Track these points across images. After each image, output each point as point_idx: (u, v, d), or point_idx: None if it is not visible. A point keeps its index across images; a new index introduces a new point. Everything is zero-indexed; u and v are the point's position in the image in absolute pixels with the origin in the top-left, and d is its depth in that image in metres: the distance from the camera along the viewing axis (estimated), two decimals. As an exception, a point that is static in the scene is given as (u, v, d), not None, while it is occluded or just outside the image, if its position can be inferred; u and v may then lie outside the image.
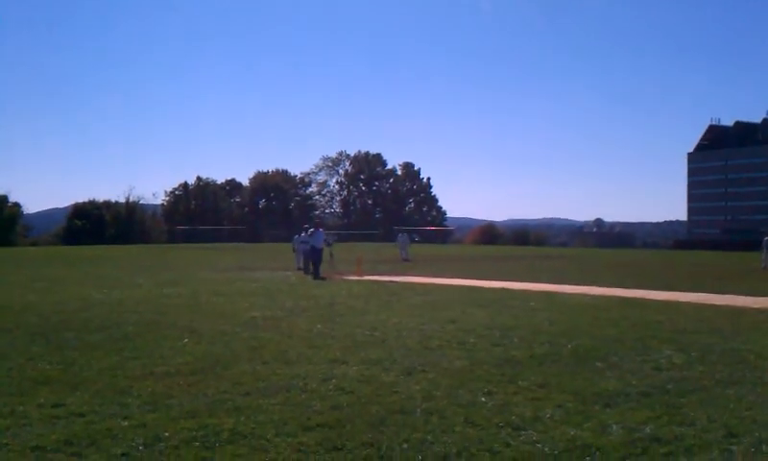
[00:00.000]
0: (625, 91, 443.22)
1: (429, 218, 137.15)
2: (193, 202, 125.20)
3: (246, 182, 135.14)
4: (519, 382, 8.21)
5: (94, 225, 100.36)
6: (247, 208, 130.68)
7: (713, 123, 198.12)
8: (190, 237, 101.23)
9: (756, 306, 16.56)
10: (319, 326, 12.97)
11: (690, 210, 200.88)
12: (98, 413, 6.91)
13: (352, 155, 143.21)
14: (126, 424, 6.55)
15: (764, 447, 5.84)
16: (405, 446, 5.91)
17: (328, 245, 29.15)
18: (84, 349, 10.52)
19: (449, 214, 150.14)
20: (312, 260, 27.27)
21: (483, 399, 7.44)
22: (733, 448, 5.83)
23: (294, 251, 30.54)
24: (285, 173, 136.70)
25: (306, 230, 31.10)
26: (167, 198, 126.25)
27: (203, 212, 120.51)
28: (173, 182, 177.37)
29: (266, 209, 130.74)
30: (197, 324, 13.23)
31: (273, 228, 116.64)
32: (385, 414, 6.84)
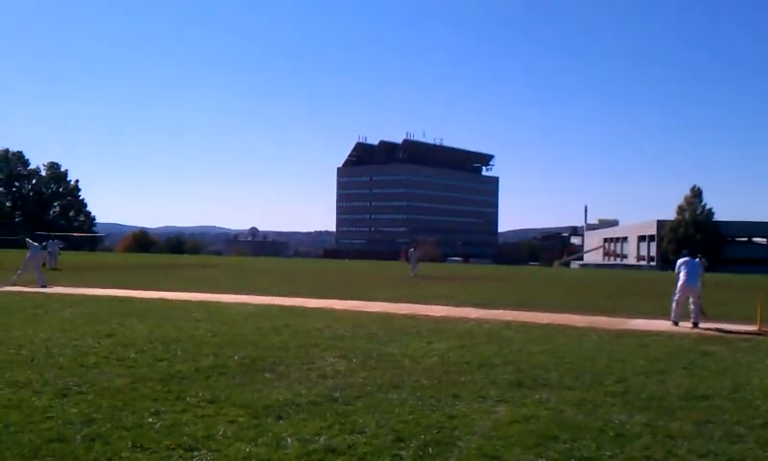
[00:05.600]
0: (283, 102, 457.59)
1: (76, 223, 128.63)
2: None
3: None
4: (188, 399, 7.83)
5: None
6: None
7: (361, 141, 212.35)
8: None
9: (402, 312, 17.83)
10: (-50, 345, 11.31)
11: (339, 221, 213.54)
12: None
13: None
14: None
15: (430, 449, 6.14)
16: (65, 479, 5.28)
17: None
18: None
19: (99, 220, 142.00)
20: None
21: (150, 419, 6.95)
22: (403, 452, 6.05)
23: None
24: None
25: None
26: None
27: None
28: None
29: None
30: None
31: None
32: (40, 443, 6.07)
